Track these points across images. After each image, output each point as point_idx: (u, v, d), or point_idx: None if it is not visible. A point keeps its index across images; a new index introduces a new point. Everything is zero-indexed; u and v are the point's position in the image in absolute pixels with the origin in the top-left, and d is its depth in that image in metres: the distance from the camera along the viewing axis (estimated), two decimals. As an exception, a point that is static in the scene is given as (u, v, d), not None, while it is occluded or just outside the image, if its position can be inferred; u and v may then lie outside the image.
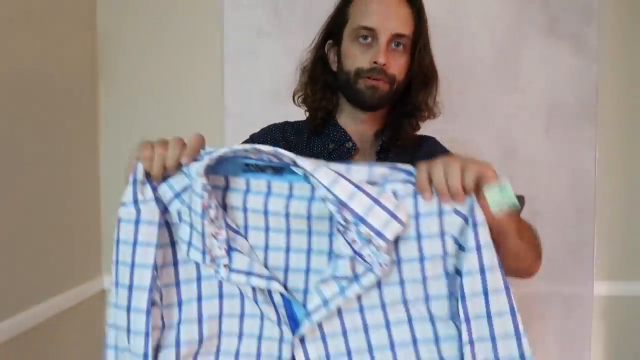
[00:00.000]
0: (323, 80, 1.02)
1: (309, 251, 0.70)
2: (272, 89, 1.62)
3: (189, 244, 0.68)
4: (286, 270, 0.70)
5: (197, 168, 0.65)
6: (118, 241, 0.68)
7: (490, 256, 0.64)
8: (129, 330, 0.67)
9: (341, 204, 0.61)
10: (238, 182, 0.70)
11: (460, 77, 1.59)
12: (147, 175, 0.67)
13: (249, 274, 0.67)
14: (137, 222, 0.67)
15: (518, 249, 0.75)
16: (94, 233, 1.69)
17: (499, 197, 0.63)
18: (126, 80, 1.70)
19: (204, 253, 0.67)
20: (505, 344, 0.65)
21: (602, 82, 1.61)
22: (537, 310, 1.64)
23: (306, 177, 0.64)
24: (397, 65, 0.94)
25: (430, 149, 1.00)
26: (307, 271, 0.70)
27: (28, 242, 1.36)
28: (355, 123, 1.01)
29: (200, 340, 0.70)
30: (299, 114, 1.11)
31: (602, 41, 1.61)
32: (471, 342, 0.65)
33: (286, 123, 1.08)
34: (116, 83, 1.70)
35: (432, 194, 0.64)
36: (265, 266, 0.70)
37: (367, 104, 0.96)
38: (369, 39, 0.93)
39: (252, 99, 1.64)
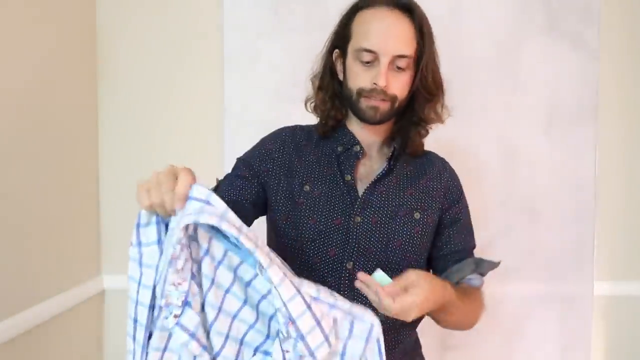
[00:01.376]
0: (332, 90, 1.04)
1: (251, 326, 0.76)
2: (272, 89, 1.62)
3: (156, 279, 0.73)
4: (226, 337, 0.75)
5: (177, 221, 0.69)
6: (129, 277, 0.74)
7: None
8: None
9: (290, 320, 0.69)
10: (203, 237, 0.74)
11: (460, 77, 1.59)
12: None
13: (192, 335, 0.71)
14: (140, 264, 0.73)
15: (459, 318, 0.95)
16: (94, 233, 1.69)
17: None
18: (125, 80, 1.70)
19: (162, 295, 0.71)
20: None
21: (602, 82, 1.62)
22: (537, 310, 1.65)
23: (260, 268, 0.69)
24: (399, 85, 0.96)
25: (439, 173, 1.07)
26: (242, 342, 0.76)
27: (28, 242, 1.36)
28: (363, 130, 1.04)
29: None
30: (299, 113, 1.11)
31: (602, 41, 1.61)
32: None
33: (297, 127, 1.10)
34: (116, 83, 1.70)
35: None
36: (211, 326, 0.74)
37: (369, 122, 0.99)
38: (371, 60, 0.94)
39: (252, 99, 1.64)
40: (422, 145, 1.06)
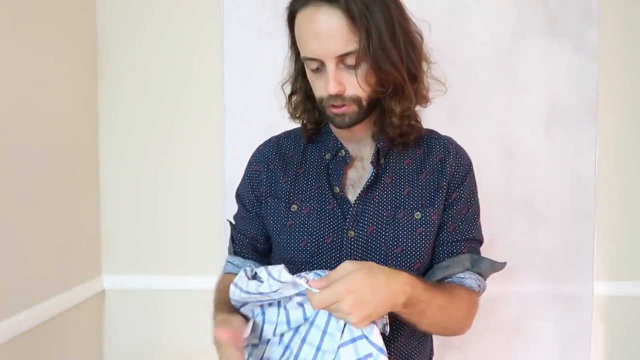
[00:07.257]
0: (304, 92, 0.97)
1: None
2: (272, 88, 1.60)
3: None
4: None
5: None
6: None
7: None
8: None
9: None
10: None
11: (460, 77, 1.59)
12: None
13: None
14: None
15: (435, 319, 0.82)
16: (94, 233, 1.69)
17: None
18: (126, 80, 1.70)
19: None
20: None
21: (602, 81, 1.62)
22: (537, 310, 1.65)
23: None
24: (356, 85, 0.84)
25: (442, 161, 0.94)
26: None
27: (28, 242, 1.36)
28: (348, 129, 0.93)
29: None
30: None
31: (602, 41, 1.61)
32: None
33: (282, 135, 1.05)
34: (116, 83, 1.70)
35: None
36: None
37: (342, 128, 0.90)
38: (319, 67, 0.85)
39: (252, 99, 1.64)
40: (414, 131, 0.92)
